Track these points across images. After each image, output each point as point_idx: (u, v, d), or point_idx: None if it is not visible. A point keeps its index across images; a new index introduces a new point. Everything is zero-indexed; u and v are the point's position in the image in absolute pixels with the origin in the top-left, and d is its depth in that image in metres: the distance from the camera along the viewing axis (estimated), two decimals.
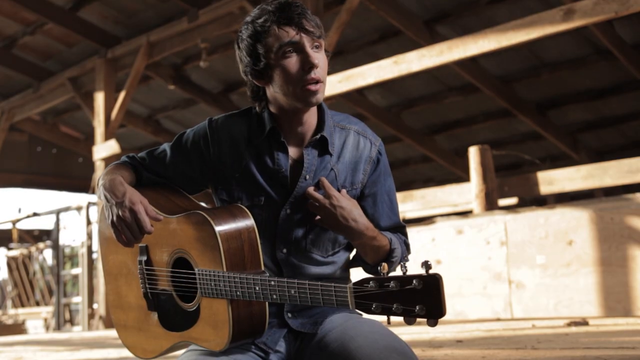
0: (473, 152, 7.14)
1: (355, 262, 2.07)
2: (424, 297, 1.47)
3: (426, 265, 1.48)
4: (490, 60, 9.41)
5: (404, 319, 1.50)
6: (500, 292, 5.98)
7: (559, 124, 10.85)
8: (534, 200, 10.88)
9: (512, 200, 8.93)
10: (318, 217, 1.90)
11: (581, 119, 10.79)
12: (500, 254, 6.02)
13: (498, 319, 5.88)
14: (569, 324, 4.77)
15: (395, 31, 9.08)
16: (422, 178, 13.54)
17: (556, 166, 9.97)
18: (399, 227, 2.07)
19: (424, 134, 11.80)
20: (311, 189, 1.90)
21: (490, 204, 6.86)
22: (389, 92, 10.73)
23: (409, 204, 7.85)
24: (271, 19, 1.85)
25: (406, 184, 12.95)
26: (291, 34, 1.84)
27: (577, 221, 5.64)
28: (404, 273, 1.51)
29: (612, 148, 11.38)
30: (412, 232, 6.60)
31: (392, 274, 1.55)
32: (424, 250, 6.48)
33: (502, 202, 8.01)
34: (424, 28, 8.80)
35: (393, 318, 1.54)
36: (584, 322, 4.80)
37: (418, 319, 1.51)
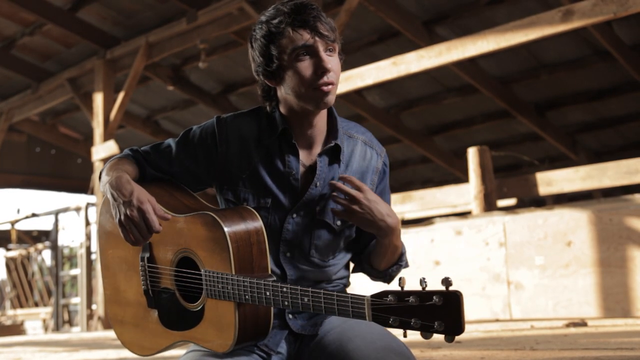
0: (472, 153, 7.14)
1: (360, 267, 2.06)
2: (444, 314, 1.47)
3: (447, 281, 1.48)
4: (489, 61, 9.41)
5: (421, 333, 1.51)
6: (499, 292, 5.98)
7: (558, 125, 10.85)
8: (532, 201, 10.89)
9: (511, 201, 8.94)
10: (343, 211, 1.87)
11: (580, 120, 10.80)
12: (499, 254, 6.03)
13: (497, 320, 5.88)
14: (568, 325, 4.77)
15: (394, 32, 9.08)
16: (421, 179, 13.54)
17: (555, 167, 9.97)
18: None
19: (423, 135, 11.81)
20: (339, 183, 1.85)
21: (489, 205, 6.87)
22: (387, 93, 10.73)
23: (408, 205, 7.85)
24: (286, 20, 1.83)
25: (405, 185, 12.95)
26: (305, 37, 1.83)
27: (575, 222, 5.64)
28: (424, 288, 1.51)
29: (611, 149, 11.38)
30: (411, 233, 6.60)
31: (410, 288, 1.54)
32: (423, 251, 6.48)
33: (501, 203, 8.02)
34: (422, 29, 8.80)
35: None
36: (582, 323, 4.80)
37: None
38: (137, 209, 1.81)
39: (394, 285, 1.58)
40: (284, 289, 1.69)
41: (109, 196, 1.89)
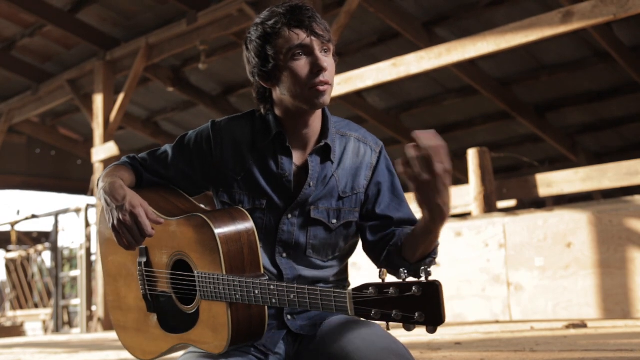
0: (472, 155, 7.14)
1: (387, 261, 1.93)
2: (424, 304, 1.46)
3: (426, 272, 1.47)
4: (489, 62, 9.41)
5: (403, 325, 1.50)
6: (498, 294, 5.98)
7: (558, 126, 10.86)
8: (532, 202, 10.88)
9: (511, 203, 8.94)
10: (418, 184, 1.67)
11: (580, 122, 10.80)
12: (499, 256, 6.03)
13: (497, 321, 5.88)
14: (568, 327, 4.77)
15: (394, 33, 9.09)
16: None
17: (555, 168, 9.98)
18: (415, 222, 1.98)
19: None
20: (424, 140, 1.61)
21: (488, 206, 6.87)
22: (387, 94, 10.74)
23: None
24: (282, 21, 1.85)
25: (405, 186, 12.94)
26: (301, 36, 1.84)
27: (575, 223, 5.64)
28: (404, 280, 1.50)
29: (611, 150, 11.39)
30: None
31: (391, 280, 1.53)
32: None
33: (501, 204, 8.02)
34: (422, 30, 8.81)
35: (392, 323, 1.54)
36: (582, 325, 4.80)
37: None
38: (130, 213, 1.82)
39: (375, 278, 1.56)
40: (272, 287, 1.70)
41: (103, 202, 1.91)
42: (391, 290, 1.49)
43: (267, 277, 1.80)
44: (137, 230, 1.82)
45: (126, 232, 1.83)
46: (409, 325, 1.49)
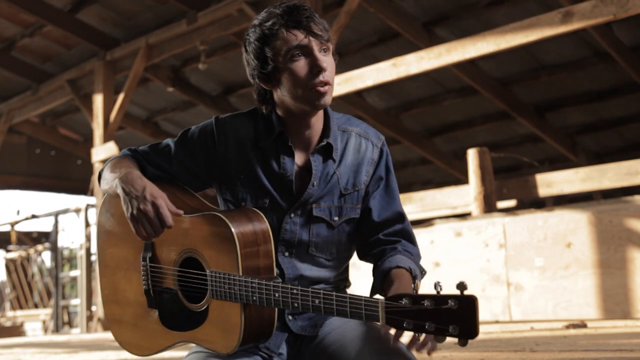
0: (472, 155, 7.14)
1: (372, 274, 1.99)
2: (459, 318, 1.47)
3: (462, 285, 1.48)
4: (489, 62, 9.41)
5: (435, 337, 1.51)
6: (498, 294, 5.98)
7: (558, 127, 10.86)
8: (532, 202, 10.88)
9: (511, 203, 8.94)
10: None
11: (580, 122, 10.81)
12: (499, 256, 6.03)
13: (497, 321, 5.88)
14: (568, 327, 4.77)
15: (394, 33, 9.09)
16: (421, 180, 13.54)
17: (555, 168, 9.99)
18: (400, 219, 2.04)
19: (423, 136, 11.81)
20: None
21: (488, 206, 6.87)
22: (387, 94, 10.74)
23: (408, 206, 7.85)
24: (279, 22, 1.84)
25: (405, 187, 12.94)
26: (299, 37, 1.83)
27: (575, 223, 5.64)
28: (439, 292, 1.51)
29: (611, 150, 11.39)
30: None
31: (425, 292, 1.54)
32: (423, 252, 6.44)
33: (501, 204, 8.02)
34: (422, 30, 8.81)
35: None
36: (582, 325, 4.80)
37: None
38: (152, 203, 1.80)
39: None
40: (294, 291, 1.69)
41: (120, 191, 1.87)
42: (426, 302, 1.50)
43: (280, 280, 1.79)
44: (157, 221, 1.80)
45: (146, 223, 1.81)
46: (440, 337, 1.50)
